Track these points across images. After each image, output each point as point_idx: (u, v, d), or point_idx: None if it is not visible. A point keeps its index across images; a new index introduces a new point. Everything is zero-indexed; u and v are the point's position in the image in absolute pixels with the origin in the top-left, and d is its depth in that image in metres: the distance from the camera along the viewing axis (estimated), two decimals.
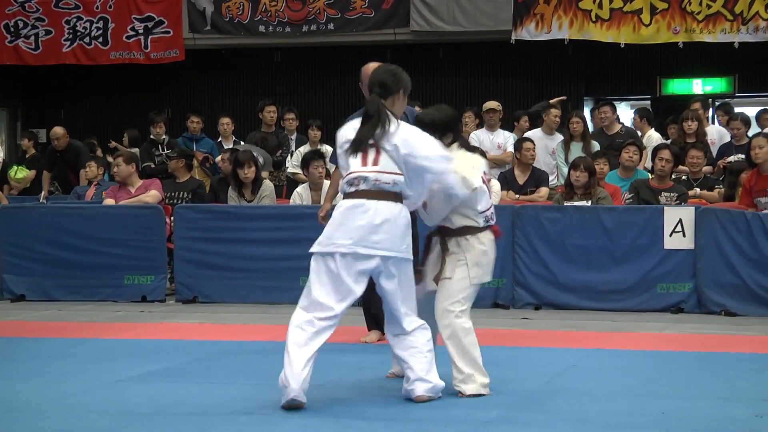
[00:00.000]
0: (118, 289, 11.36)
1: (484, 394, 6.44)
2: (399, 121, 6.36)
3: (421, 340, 6.29)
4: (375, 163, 6.22)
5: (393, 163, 6.21)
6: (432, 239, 6.70)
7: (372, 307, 8.54)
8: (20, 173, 14.20)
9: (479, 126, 14.25)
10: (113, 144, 16.61)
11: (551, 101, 14.02)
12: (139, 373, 7.43)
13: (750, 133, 13.29)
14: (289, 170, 13.61)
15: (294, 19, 18.04)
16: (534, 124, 14.11)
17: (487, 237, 6.65)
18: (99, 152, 16.42)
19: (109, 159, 15.27)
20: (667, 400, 6.49)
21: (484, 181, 6.59)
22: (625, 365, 7.77)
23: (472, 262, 6.57)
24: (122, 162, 12.02)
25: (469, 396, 6.39)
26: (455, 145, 6.66)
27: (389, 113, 6.31)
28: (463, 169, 6.43)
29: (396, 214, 6.19)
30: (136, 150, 14.87)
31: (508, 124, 14.59)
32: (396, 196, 6.23)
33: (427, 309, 6.53)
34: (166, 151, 14.08)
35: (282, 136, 14.03)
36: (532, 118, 14.36)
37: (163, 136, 14.54)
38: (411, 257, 6.31)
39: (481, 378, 6.48)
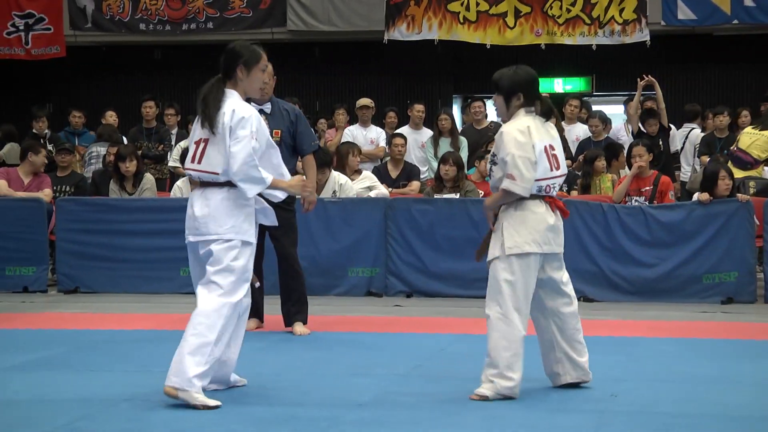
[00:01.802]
0: None
1: (500, 397, 5.98)
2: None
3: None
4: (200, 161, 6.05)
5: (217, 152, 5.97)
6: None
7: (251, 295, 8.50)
8: None
9: (351, 122, 14.30)
10: None
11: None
12: (18, 362, 7.28)
13: (615, 128, 13.59)
14: (170, 164, 13.47)
15: (174, 18, 17.86)
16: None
17: (535, 205, 5.99)
18: None
19: None
20: (527, 381, 6.53)
21: (546, 150, 5.99)
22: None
23: (508, 232, 5.98)
24: (43, 154, 11.87)
25: (481, 398, 5.98)
26: (522, 110, 6.09)
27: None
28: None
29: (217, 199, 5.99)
30: (11, 145, 14.48)
31: (379, 121, 14.65)
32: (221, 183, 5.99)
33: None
34: (49, 146, 13.82)
35: (163, 131, 13.88)
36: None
37: (46, 131, 14.27)
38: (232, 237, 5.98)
39: (500, 381, 5.97)
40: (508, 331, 5.98)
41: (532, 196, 5.99)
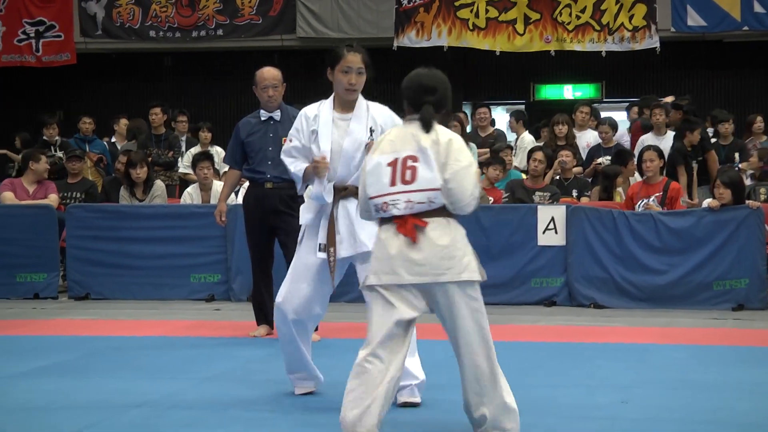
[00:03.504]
0: (10, 286, 11.16)
1: None
2: None
3: None
4: None
5: None
6: None
7: (261, 302, 8.51)
8: None
9: None
10: (2, 151, 16.30)
11: (663, 100, 13.97)
12: (29, 368, 7.29)
13: (618, 134, 13.56)
14: (180, 170, 13.49)
15: (184, 25, 17.90)
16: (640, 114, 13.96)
17: (383, 230, 5.08)
18: None
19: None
20: (538, 387, 6.57)
21: (393, 163, 5.07)
22: (500, 356, 7.82)
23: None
24: (44, 161, 11.84)
25: None
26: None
27: None
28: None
29: None
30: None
31: None
32: None
33: None
34: (59, 153, 13.86)
35: (173, 138, 13.90)
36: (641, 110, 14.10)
37: (56, 138, 14.31)
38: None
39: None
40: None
41: (381, 221, 5.11)
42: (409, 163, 5.02)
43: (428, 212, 5.01)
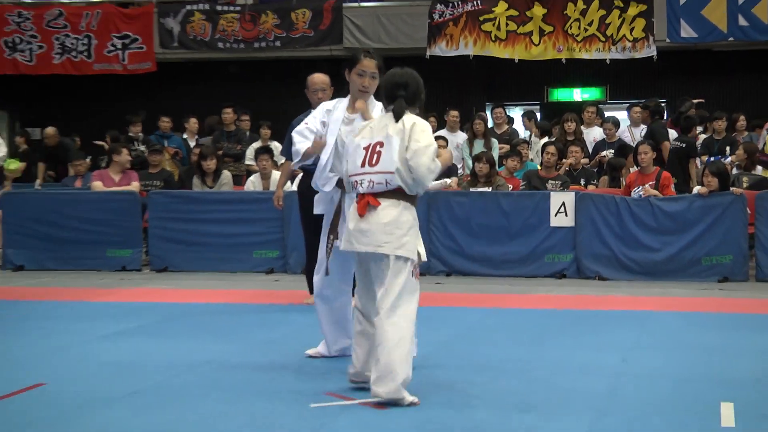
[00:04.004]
0: (101, 260, 11.22)
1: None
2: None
3: None
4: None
5: None
6: None
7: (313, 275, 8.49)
8: (12, 165, 13.90)
9: None
10: (99, 143, 16.39)
11: (693, 101, 14.07)
12: (117, 330, 7.34)
13: (620, 131, 13.46)
14: (246, 162, 13.50)
15: (247, 38, 17.93)
16: (676, 121, 13.77)
17: (347, 202, 5.45)
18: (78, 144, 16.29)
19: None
20: (550, 349, 6.55)
21: (367, 147, 5.16)
22: (519, 321, 7.82)
23: None
24: (125, 153, 11.88)
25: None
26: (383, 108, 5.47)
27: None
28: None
29: None
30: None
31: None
32: None
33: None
34: (141, 147, 13.91)
35: (241, 133, 13.93)
36: (678, 118, 13.83)
37: (140, 134, 14.39)
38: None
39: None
40: None
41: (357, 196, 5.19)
42: (378, 148, 5.08)
43: (385, 192, 5.04)
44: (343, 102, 6.13)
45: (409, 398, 4.95)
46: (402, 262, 5.00)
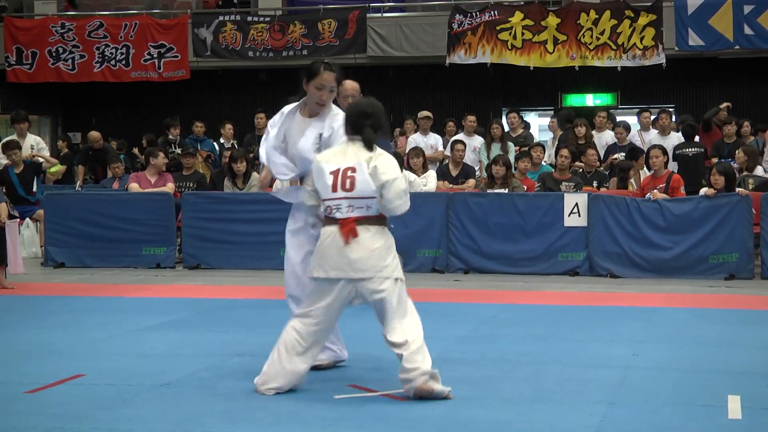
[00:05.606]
0: (137, 257, 11.24)
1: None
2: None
3: None
4: None
5: None
6: None
7: None
8: (53, 168, 13.98)
9: (416, 131, 14.25)
10: (136, 150, 16.53)
11: (720, 106, 13.92)
12: (153, 323, 7.37)
13: (631, 135, 13.40)
14: None
15: (276, 47, 18.01)
16: (705, 125, 13.72)
17: (325, 229, 5.03)
18: (115, 147, 16.39)
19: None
20: (564, 342, 6.52)
21: (336, 172, 4.99)
22: (533, 316, 7.80)
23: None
24: (162, 156, 11.93)
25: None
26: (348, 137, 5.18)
27: None
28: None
29: None
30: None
31: (440, 129, 14.58)
32: None
33: None
34: (177, 150, 13.95)
35: None
36: (705, 123, 13.81)
37: (178, 136, 14.46)
38: None
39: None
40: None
41: (326, 220, 5.03)
42: (349, 173, 4.93)
43: (367, 218, 4.95)
44: (299, 106, 5.69)
45: (446, 390, 4.98)
46: (400, 283, 5.01)
